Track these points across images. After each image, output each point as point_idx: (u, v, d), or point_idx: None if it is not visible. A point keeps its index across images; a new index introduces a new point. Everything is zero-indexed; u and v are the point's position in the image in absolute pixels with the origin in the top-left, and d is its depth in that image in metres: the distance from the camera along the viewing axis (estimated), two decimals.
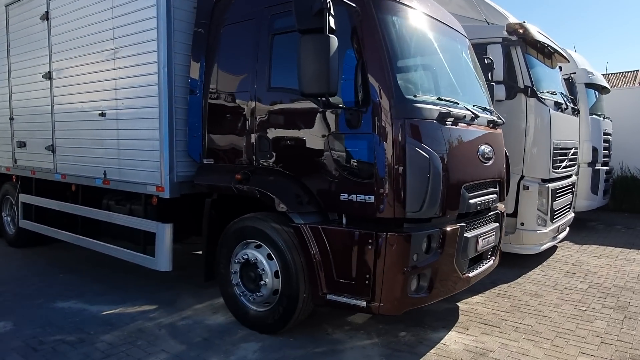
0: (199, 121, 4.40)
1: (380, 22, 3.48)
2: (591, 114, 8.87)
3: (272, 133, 3.95)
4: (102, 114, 4.95)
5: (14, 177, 6.72)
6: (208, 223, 4.27)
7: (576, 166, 7.47)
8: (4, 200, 7.20)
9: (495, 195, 4.36)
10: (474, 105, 4.13)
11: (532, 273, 5.87)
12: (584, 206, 8.70)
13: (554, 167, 6.19)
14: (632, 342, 3.94)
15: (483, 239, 4.06)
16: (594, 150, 8.77)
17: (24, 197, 6.46)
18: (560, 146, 6.38)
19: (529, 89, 5.90)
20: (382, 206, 3.39)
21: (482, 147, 4.06)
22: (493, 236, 4.27)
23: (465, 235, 3.78)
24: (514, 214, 5.94)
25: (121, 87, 4.75)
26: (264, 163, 4.01)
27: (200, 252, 4.50)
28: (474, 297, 4.92)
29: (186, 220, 4.67)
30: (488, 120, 4.28)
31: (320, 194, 3.69)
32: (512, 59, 5.93)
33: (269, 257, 3.85)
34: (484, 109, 4.35)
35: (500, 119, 4.56)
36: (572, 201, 7.27)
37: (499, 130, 4.53)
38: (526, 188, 5.94)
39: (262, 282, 3.87)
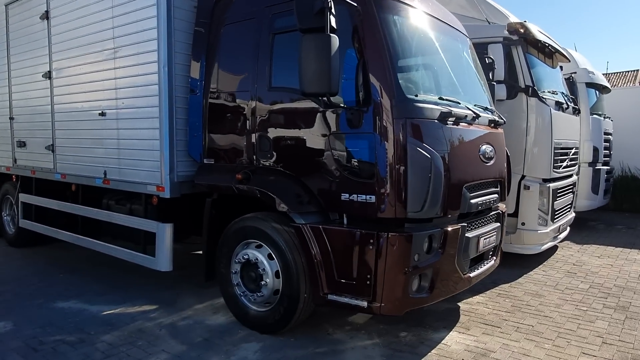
0: (200, 121, 4.39)
1: (382, 21, 3.47)
2: (592, 114, 8.87)
3: (272, 133, 3.94)
4: (102, 114, 4.94)
5: (13, 176, 6.71)
6: (208, 223, 4.26)
7: (577, 166, 7.46)
8: (4, 200, 7.19)
9: (496, 195, 4.35)
10: (475, 105, 4.13)
11: (533, 273, 5.87)
12: (585, 206, 8.69)
13: (554, 167, 6.18)
14: (634, 342, 3.93)
15: (484, 239, 4.06)
16: (595, 150, 8.77)
17: (24, 197, 6.45)
18: (561, 146, 6.37)
19: (530, 88, 5.89)
20: (383, 206, 3.37)
21: (484, 147, 4.05)
22: (494, 236, 4.26)
23: (466, 235, 3.77)
24: (515, 214, 5.93)
25: (121, 86, 4.74)
26: (265, 163, 4.00)
27: (200, 252, 4.49)
28: (475, 297, 4.91)
29: (186, 220, 4.66)
30: (489, 120, 4.27)
31: (321, 193, 3.68)
32: (513, 59, 5.92)
33: (270, 257, 3.84)
34: (485, 109, 4.34)
35: (502, 119, 4.55)
36: (572, 201, 7.26)
37: (500, 130, 4.52)
38: (527, 188, 5.93)
39: (262, 282, 3.86)
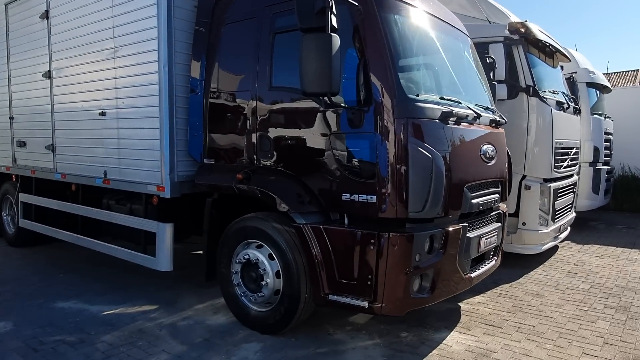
0: (200, 120, 4.38)
1: (383, 20, 3.46)
2: (592, 114, 8.86)
3: (273, 132, 3.93)
4: (102, 113, 4.93)
5: (13, 176, 6.70)
6: (209, 223, 4.26)
7: (577, 166, 7.45)
8: (4, 200, 7.18)
9: (497, 195, 4.34)
10: (476, 105, 4.12)
11: (534, 273, 5.86)
12: (585, 206, 8.69)
13: (555, 167, 6.18)
14: (635, 342, 3.92)
15: (485, 239, 4.05)
16: (595, 150, 8.77)
17: (23, 197, 6.44)
18: (562, 146, 6.36)
19: (531, 88, 5.88)
20: (384, 206, 3.37)
21: (485, 147, 4.04)
22: (495, 236, 4.25)
23: (467, 235, 3.77)
24: (516, 214, 5.93)
25: (121, 86, 4.73)
26: (265, 162, 3.99)
27: (201, 252, 4.48)
28: (475, 297, 4.90)
29: (187, 219, 4.65)
30: (490, 120, 4.26)
31: (322, 193, 3.67)
32: (514, 58, 5.91)
33: (270, 257, 3.83)
34: (487, 109, 4.33)
35: (503, 119, 4.54)
36: (573, 201, 7.25)
37: (501, 130, 4.51)
38: (528, 188, 5.92)
39: (263, 282, 3.85)
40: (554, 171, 6.15)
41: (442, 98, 3.73)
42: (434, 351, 3.70)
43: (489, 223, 4.22)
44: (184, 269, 5.16)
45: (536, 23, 6.18)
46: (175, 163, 4.38)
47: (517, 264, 5.98)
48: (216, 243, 4.21)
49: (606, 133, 9.36)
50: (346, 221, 3.58)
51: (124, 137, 4.77)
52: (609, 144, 9.60)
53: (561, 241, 6.97)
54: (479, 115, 3.98)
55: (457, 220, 3.75)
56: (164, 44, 4.25)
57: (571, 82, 8.35)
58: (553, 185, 6.09)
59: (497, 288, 5.24)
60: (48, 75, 5.66)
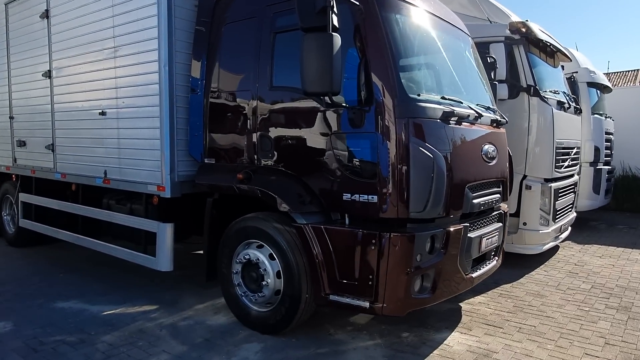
0: (200, 120, 4.37)
1: (384, 20, 3.45)
2: (593, 113, 8.85)
3: (274, 132, 3.92)
4: (103, 113, 4.92)
5: (13, 176, 6.69)
6: (209, 223, 4.25)
7: (578, 166, 7.44)
8: (4, 200, 7.17)
9: (498, 195, 4.33)
10: (477, 105, 4.11)
11: (535, 273, 5.85)
12: (586, 206, 8.68)
13: (556, 167, 6.17)
14: (637, 343, 3.92)
15: (486, 239, 4.04)
16: (596, 150, 8.76)
17: (23, 197, 6.43)
18: (563, 145, 6.35)
19: (532, 87, 5.88)
20: (385, 206, 3.36)
21: (486, 147, 4.03)
22: (496, 236, 4.24)
23: (468, 235, 3.76)
24: (517, 214, 5.92)
25: (122, 85, 4.71)
26: (266, 162, 3.98)
27: (201, 252, 4.47)
28: (476, 297, 4.89)
29: (187, 219, 4.64)
30: (491, 120, 4.25)
31: (323, 193, 3.66)
32: (515, 58, 5.90)
33: (271, 257, 3.82)
34: (488, 108, 4.32)
35: (504, 118, 4.53)
36: (574, 201, 7.24)
37: (502, 130, 4.50)
38: (529, 188, 5.92)
39: (264, 283, 3.84)
40: (555, 171, 6.14)
41: (443, 98, 3.72)
42: (435, 351, 3.69)
43: (490, 223, 4.21)
44: (185, 269, 5.15)
45: (537, 22, 6.18)
46: (175, 163, 4.37)
47: (517, 264, 5.98)
48: (217, 243, 4.20)
49: (607, 133, 9.35)
50: (347, 221, 3.57)
51: (124, 136, 4.76)
52: (609, 143, 9.59)
53: (562, 241, 6.96)
54: (480, 115, 3.97)
55: (459, 220, 3.74)
56: (165, 43, 4.24)
57: (572, 82, 8.34)
58: (554, 185, 6.08)
59: (498, 288, 5.23)
60: (48, 74, 5.65)
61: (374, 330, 4.04)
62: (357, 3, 3.42)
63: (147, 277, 5.26)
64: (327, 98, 3.36)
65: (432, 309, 4.33)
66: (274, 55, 3.89)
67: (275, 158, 3.92)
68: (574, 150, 6.87)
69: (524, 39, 5.93)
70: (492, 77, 5.18)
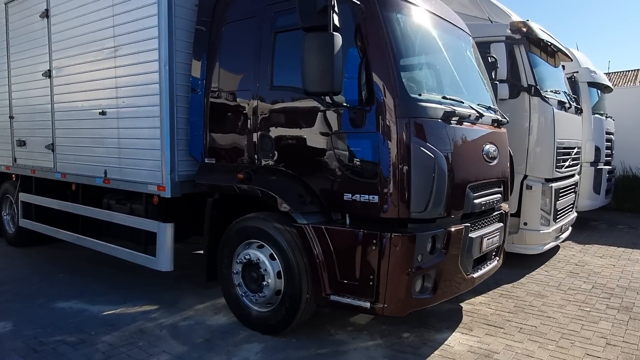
0: (201, 120, 4.36)
1: (385, 19, 3.44)
2: (594, 113, 8.84)
3: (274, 132, 3.92)
4: (103, 113, 4.91)
5: (13, 176, 6.68)
6: (210, 223, 4.24)
7: (579, 166, 7.43)
8: (4, 199, 7.16)
9: (499, 195, 4.32)
10: (478, 104, 4.10)
11: (535, 273, 5.84)
12: (587, 206, 8.67)
13: (557, 167, 6.16)
14: (638, 343, 3.91)
15: (487, 240, 4.03)
16: (597, 150, 8.75)
17: (23, 196, 6.42)
18: (564, 145, 6.35)
19: (533, 87, 5.87)
20: (386, 206, 3.35)
21: (487, 147, 4.03)
22: (497, 236, 4.23)
23: (469, 235, 3.75)
24: (517, 214, 5.91)
25: (122, 85, 4.71)
26: (267, 162, 3.97)
27: (201, 252, 4.47)
28: (477, 297, 4.88)
29: (187, 219, 4.63)
30: (492, 120, 4.24)
31: (323, 193, 3.65)
32: (516, 58, 5.89)
33: (272, 257, 3.81)
34: (489, 108, 4.31)
35: (505, 118, 4.52)
36: (574, 201, 7.23)
37: (503, 130, 4.50)
38: (529, 188, 5.91)
39: (264, 283, 3.83)
40: (556, 171, 6.14)
41: (444, 97, 3.71)
42: (435, 352, 3.68)
43: (491, 223, 4.20)
44: (185, 269, 5.14)
45: (538, 22, 6.18)
46: (175, 163, 4.37)
47: (518, 264, 5.97)
48: (217, 243, 4.19)
49: (607, 133, 9.34)
50: (348, 221, 3.56)
51: (125, 136, 4.75)
52: (610, 143, 9.59)
53: (562, 241, 6.95)
54: (481, 115, 3.96)
55: (460, 220, 3.73)
56: (165, 43, 4.23)
57: (572, 82, 8.34)
58: (554, 185, 6.07)
59: (499, 288, 5.22)
60: (48, 74, 5.64)
61: (374, 331, 4.03)
62: (358, 2, 3.41)
63: (147, 277, 5.25)
64: (327, 98, 3.36)
65: (432, 309, 4.32)
66: (275, 54, 3.88)
67: (275, 158, 3.91)
68: (575, 150, 6.86)
69: (524, 38, 5.92)
70: (493, 76, 5.17)
